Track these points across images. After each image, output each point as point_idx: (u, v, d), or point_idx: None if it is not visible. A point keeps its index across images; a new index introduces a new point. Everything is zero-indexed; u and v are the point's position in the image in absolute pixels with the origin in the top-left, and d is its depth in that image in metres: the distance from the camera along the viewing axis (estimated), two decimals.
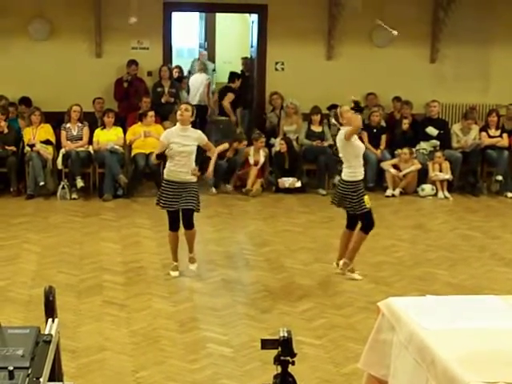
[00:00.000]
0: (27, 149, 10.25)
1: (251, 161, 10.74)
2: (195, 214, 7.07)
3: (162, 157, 7.03)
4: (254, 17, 12.24)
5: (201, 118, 11.49)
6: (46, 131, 10.45)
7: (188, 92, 12.69)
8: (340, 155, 7.12)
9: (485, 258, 7.96)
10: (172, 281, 7.01)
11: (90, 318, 6.10)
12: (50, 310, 3.14)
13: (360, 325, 5.98)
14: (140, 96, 10.97)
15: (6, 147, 10.21)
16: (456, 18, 11.73)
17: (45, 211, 9.44)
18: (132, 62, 11.18)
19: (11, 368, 2.60)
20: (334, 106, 11.33)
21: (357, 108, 6.94)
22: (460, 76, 12.06)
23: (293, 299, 6.58)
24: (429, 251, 8.12)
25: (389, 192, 10.64)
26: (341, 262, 7.16)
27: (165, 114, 10.98)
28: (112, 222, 9.02)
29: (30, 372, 2.66)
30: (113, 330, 5.86)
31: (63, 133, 10.46)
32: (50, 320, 3.10)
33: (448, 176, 10.75)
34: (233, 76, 12.04)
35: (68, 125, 10.52)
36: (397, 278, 7.22)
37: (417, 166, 10.76)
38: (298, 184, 10.64)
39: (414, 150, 10.94)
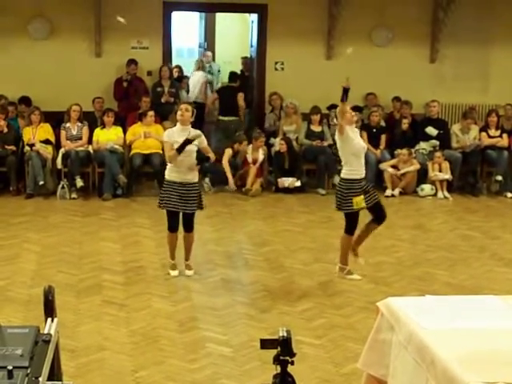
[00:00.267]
0: (27, 148, 10.25)
1: (249, 159, 10.74)
2: (197, 212, 7.07)
3: (184, 146, 6.79)
4: (254, 16, 12.25)
5: (198, 116, 11.45)
6: (45, 131, 10.44)
7: (188, 91, 12.71)
8: (339, 153, 7.12)
9: (484, 258, 7.96)
10: (171, 280, 7.01)
11: (90, 317, 6.09)
12: (50, 310, 3.14)
13: (359, 325, 5.98)
14: (140, 95, 10.97)
15: (6, 147, 10.21)
16: (456, 18, 11.73)
17: (44, 211, 9.43)
18: (132, 62, 11.17)
19: (10, 367, 2.60)
20: (333, 106, 11.33)
21: (344, 93, 6.86)
22: (460, 76, 12.06)
23: (292, 299, 6.58)
24: (428, 251, 8.11)
25: (388, 192, 10.64)
26: (337, 268, 7.16)
27: (165, 114, 10.97)
28: (111, 222, 9.02)
29: (29, 371, 2.65)
30: (112, 330, 5.86)
31: (63, 132, 10.45)
32: (49, 319, 3.10)
33: (447, 176, 10.75)
34: (234, 76, 12.05)
35: (68, 124, 10.52)
36: (396, 278, 7.22)
37: (416, 166, 10.75)
38: (298, 183, 10.64)
39: (412, 150, 10.94)
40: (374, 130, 11.10)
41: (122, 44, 11.35)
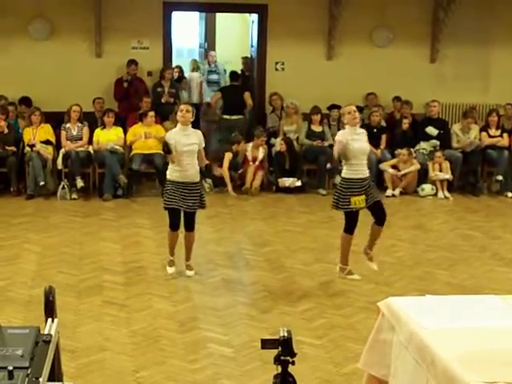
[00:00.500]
0: (27, 149, 10.25)
1: (249, 157, 10.75)
2: (197, 212, 7.08)
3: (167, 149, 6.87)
4: (254, 16, 12.24)
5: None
6: (45, 131, 10.45)
7: (190, 92, 12.73)
8: None
9: (485, 257, 7.96)
10: (172, 281, 7.01)
11: (90, 318, 6.09)
12: (50, 310, 3.13)
13: (360, 325, 5.98)
14: (140, 96, 10.97)
15: (6, 147, 10.21)
16: (456, 18, 11.74)
17: (45, 211, 9.44)
18: (132, 62, 11.18)
19: (11, 368, 2.59)
20: (333, 106, 11.38)
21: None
22: (460, 76, 12.06)
23: (293, 299, 6.58)
24: (429, 251, 8.11)
25: (389, 192, 10.64)
26: (337, 268, 7.16)
27: (165, 114, 10.97)
28: (112, 222, 9.02)
29: (29, 372, 2.65)
30: (113, 330, 5.85)
31: (63, 133, 10.46)
32: (49, 320, 3.09)
33: (448, 176, 10.75)
34: (235, 74, 12.06)
35: (68, 125, 10.52)
36: (397, 277, 7.22)
37: (416, 166, 10.75)
38: (298, 183, 10.64)
39: (412, 150, 10.94)
40: (375, 130, 11.09)
41: (123, 44, 11.36)
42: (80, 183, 10.10)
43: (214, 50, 15.23)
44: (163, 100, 11.24)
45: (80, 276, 7.06)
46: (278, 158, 10.87)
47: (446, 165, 10.80)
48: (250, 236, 8.65)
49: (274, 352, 3.29)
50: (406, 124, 11.21)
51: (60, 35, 11.24)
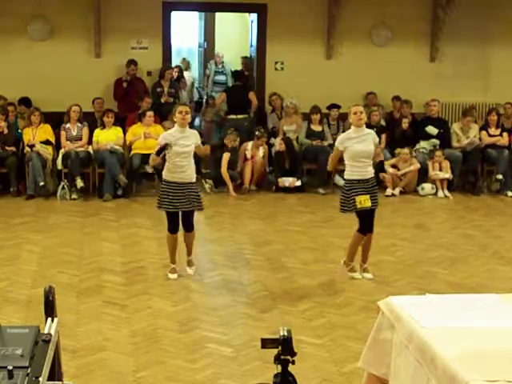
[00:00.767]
0: (27, 149, 10.25)
1: (248, 155, 10.75)
2: (195, 213, 7.08)
3: (162, 151, 6.86)
4: (254, 16, 12.25)
5: None
6: (45, 131, 10.45)
7: (191, 92, 12.75)
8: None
9: (485, 256, 7.96)
10: (172, 281, 7.00)
11: (90, 317, 6.09)
12: (50, 310, 3.13)
13: (360, 324, 5.97)
14: (139, 96, 10.97)
15: (6, 147, 10.21)
16: (456, 17, 11.74)
17: (45, 211, 9.44)
18: (131, 62, 11.18)
19: (10, 367, 2.59)
20: (333, 106, 11.38)
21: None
22: (460, 75, 12.05)
23: (293, 299, 6.57)
24: (429, 250, 8.11)
25: (389, 191, 10.64)
26: (341, 262, 7.16)
27: (164, 114, 10.96)
28: (112, 222, 9.01)
29: (29, 371, 2.64)
30: (113, 330, 5.85)
31: (63, 133, 10.46)
32: (49, 319, 3.09)
33: (448, 175, 10.75)
34: (238, 74, 12.05)
35: (67, 125, 10.52)
36: (397, 276, 7.21)
37: (416, 165, 10.75)
38: (298, 183, 10.64)
39: (412, 149, 10.94)
40: (375, 130, 11.03)
41: (122, 44, 11.36)
42: (80, 183, 10.10)
43: (214, 49, 15.24)
44: (163, 100, 11.23)
45: (80, 276, 7.06)
46: (278, 157, 10.87)
47: (446, 164, 10.80)
48: (249, 236, 8.65)
49: (274, 351, 3.28)
50: (405, 123, 11.21)
51: (60, 35, 11.24)
